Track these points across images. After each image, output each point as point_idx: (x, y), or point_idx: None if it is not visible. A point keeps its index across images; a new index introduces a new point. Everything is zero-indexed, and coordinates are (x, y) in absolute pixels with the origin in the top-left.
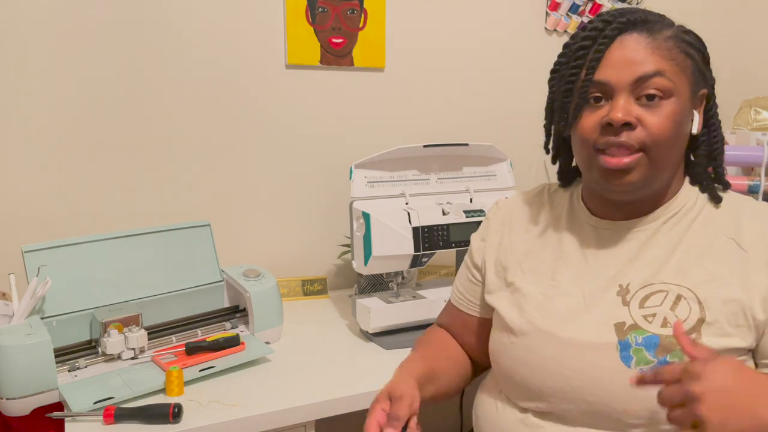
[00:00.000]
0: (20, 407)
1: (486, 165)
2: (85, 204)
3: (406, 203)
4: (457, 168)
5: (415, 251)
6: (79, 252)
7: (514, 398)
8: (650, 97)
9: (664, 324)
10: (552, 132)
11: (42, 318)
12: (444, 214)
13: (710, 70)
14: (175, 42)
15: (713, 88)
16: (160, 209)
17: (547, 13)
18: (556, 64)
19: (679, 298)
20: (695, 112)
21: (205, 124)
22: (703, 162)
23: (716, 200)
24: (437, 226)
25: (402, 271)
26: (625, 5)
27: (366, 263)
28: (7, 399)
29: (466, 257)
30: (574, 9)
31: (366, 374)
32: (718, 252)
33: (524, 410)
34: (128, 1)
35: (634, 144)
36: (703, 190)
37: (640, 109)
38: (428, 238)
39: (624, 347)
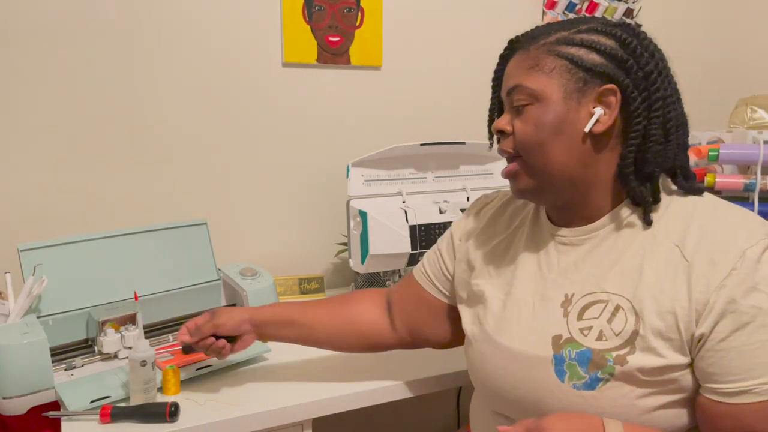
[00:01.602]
0: (16, 406)
1: (483, 163)
2: (81, 203)
3: (403, 202)
4: (453, 166)
5: (412, 250)
6: (75, 251)
7: (485, 400)
8: (521, 106)
9: (599, 337)
10: None
11: (38, 317)
12: (441, 212)
13: (628, 63)
14: (172, 40)
15: (646, 81)
16: (156, 208)
17: (543, 11)
18: None
19: (617, 309)
20: (597, 110)
21: (201, 122)
22: (622, 164)
23: (647, 222)
24: (434, 224)
25: (399, 270)
26: (619, 3)
27: (363, 262)
28: (4, 398)
29: (440, 242)
30: (570, 7)
31: (363, 372)
32: (662, 260)
33: (494, 413)
34: None
35: (510, 150)
36: (633, 201)
37: (515, 118)
38: (425, 237)
39: (558, 362)
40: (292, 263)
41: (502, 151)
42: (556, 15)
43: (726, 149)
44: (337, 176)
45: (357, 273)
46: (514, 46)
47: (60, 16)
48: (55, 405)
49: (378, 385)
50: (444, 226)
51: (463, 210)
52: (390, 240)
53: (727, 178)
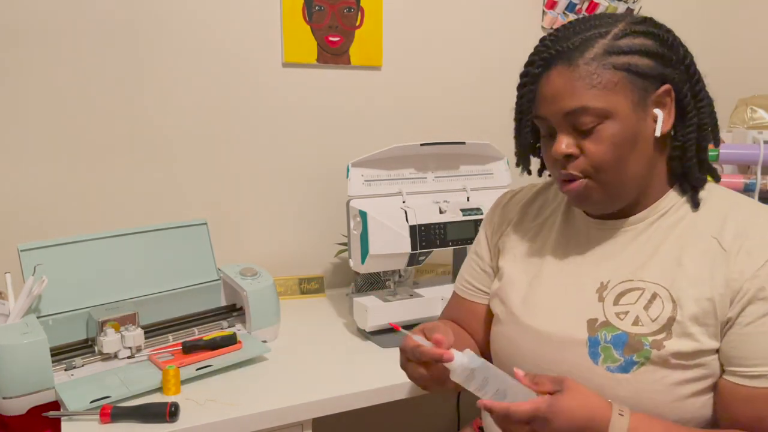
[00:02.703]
0: (17, 406)
1: (483, 163)
2: (81, 203)
3: (403, 202)
4: (454, 166)
5: (412, 250)
6: (75, 251)
7: None
8: (584, 128)
9: (636, 322)
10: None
11: (38, 317)
12: (441, 212)
13: (673, 60)
14: (172, 40)
15: (687, 73)
16: (156, 208)
17: (543, 11)
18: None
19: (654, 296)
20: (658, 112)
21: (201, 122)
22: (677, 155)
23: (695, 204)
24: (434, 224)
25: (399, 270)
26: (619, 3)
27: (363, 262)
28: (4, 398)
29: (474, 246)
30: (570, 7)
31: (363, 373)
32: (700, 251)
33: None
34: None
35: (578, 173)
36: (682, 192)
37: (580, 138)
38: (425, 237)
39: (593, 344)
40: (292, 263)
41: (567, 175)
42: (556, 15)
43: (726, 149)
44: (337, 176)
45: (357, 273)
46: (548, 62)
47: (61, 16)
48: (55, 405)
49: (378, 385)
50: (444, 226)
51: (463, 210)
52: (390, 240)
53: (727, 178)
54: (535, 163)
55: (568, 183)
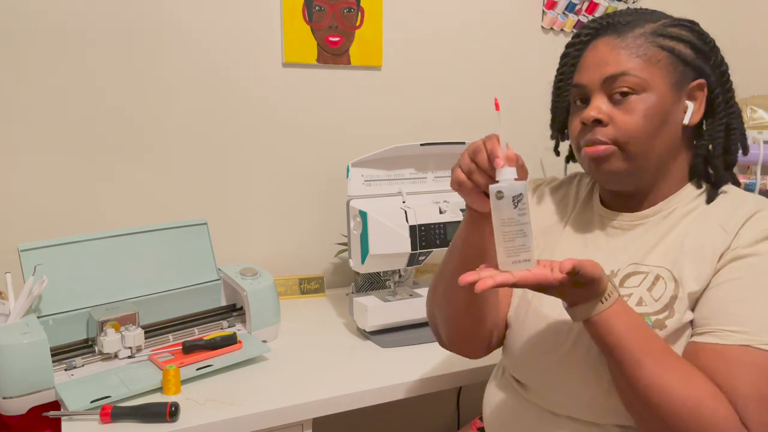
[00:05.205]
0: (17, 406)
1: None
2: (81, 203)
3: (403, 202)
4: None
5: (412, 250)
6: (75, 251)
7: (511, 372)
8: (621, 94)
9: (639, 303)
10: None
11: (38, 317)
12: (441, 212)
13: (711, 61)
14: (172, 41)
15: (722, 78)
16: (156, 208)
17: (543, 11)
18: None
19: (657, 278)
20: (689, 103)
21: (201, 122)
22: (702, 152)
23: (710, 198)
24: (434, 224)
25: (399, 270)
26: (619, 3)
27: (363, 262)
28: (4, 398)
29: None
30: (570, 7)
31: (363, 372)
32: (704, 236)
33: (519, 385)
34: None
35: (605, 139)
36: (698, 186)
37: (612, 107)
38: (425, 237)
39: None
40: (292, 263)
41: (593, 141)
42: (556, 15)
43: None
44: (337, 176)
45: (357, 273)
46: (597, 32)
47: (61, 16)
48: (56, 405)
49: (378, 385)
50: (444, 226)
51: (463, 210)
52: (390, 240)
53: None
54: (564, 151)
55: (590, 146)
